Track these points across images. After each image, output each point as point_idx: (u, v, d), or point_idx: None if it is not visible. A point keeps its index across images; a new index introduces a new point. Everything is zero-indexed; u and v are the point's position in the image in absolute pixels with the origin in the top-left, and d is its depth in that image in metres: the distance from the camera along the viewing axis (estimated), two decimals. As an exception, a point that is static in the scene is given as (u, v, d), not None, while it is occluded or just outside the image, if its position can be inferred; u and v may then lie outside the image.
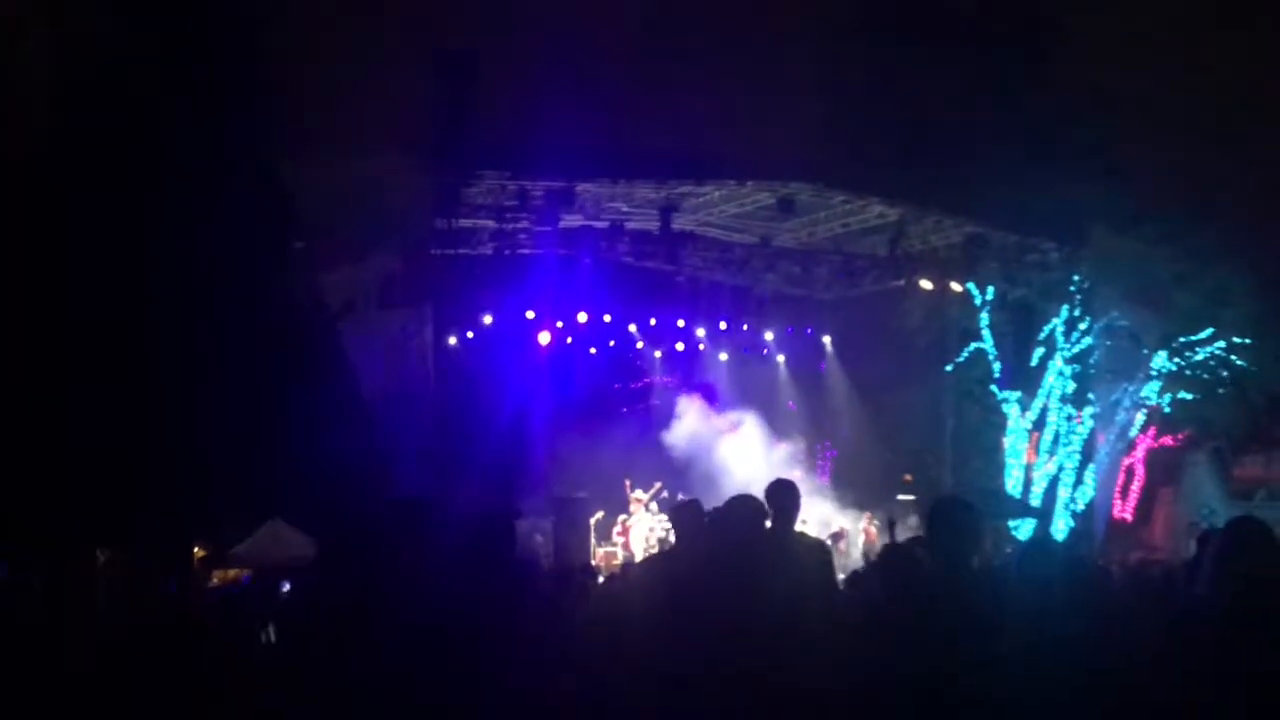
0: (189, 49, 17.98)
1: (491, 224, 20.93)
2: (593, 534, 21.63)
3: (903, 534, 21.36)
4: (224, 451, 17.04)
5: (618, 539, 21.75)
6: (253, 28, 19.27)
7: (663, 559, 7.03)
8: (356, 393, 18.57)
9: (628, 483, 21.98)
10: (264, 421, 17.47)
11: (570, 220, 21.16)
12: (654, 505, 21.71)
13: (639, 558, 18.76)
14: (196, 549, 17.88)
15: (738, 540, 5.79)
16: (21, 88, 17.72)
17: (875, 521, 21.86)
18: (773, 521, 7.00)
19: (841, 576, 8.30)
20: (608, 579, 12.85)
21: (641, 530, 21.37)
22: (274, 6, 19.58)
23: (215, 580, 18.10)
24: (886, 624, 5.58)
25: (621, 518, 21.87)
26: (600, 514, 21.87)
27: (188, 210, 17.37)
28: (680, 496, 22.20)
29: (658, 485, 22.04)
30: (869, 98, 25.07)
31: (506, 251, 21.27)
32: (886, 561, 6.38)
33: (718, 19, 24.67)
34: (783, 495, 7.25)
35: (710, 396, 25.30)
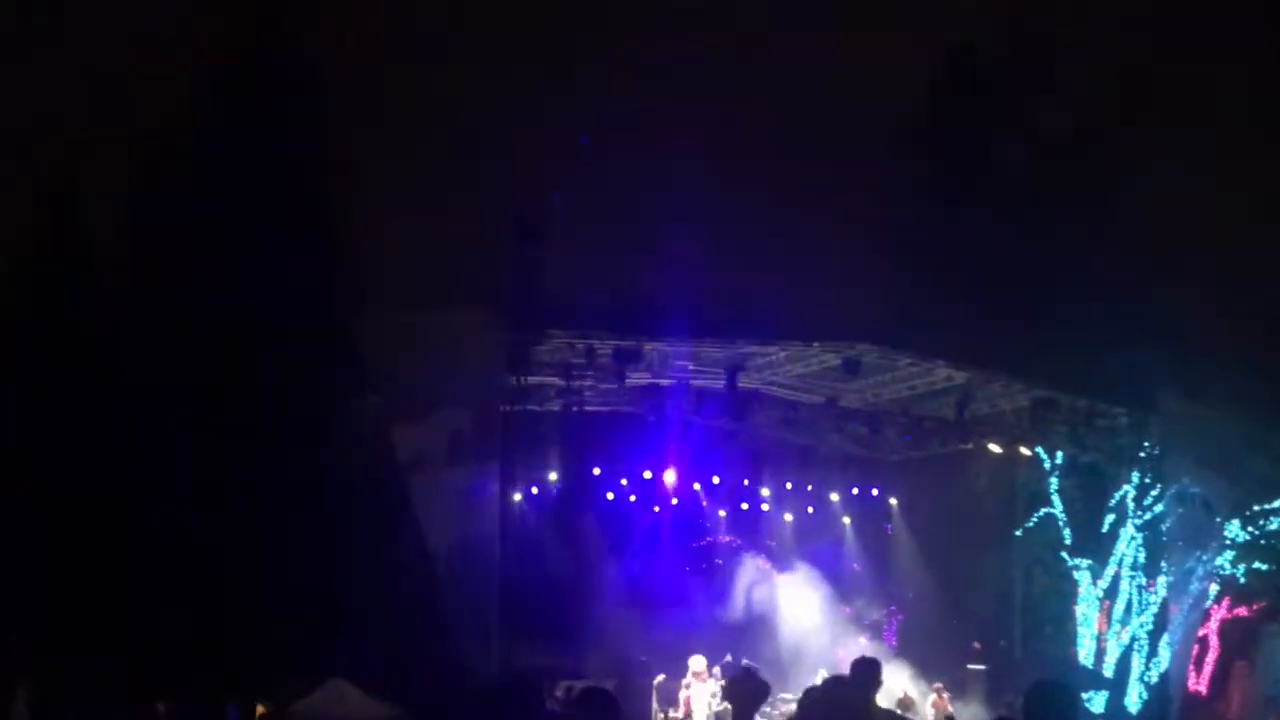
0: (269, 197, 18.47)
1: (559, 381, 21.07)
2: (655, 697, 21.25)
3: (974, 707, 20.98)
4: (287, 607, 17.02)
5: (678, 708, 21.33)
6: (331, 173, 19.76)
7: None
8: (423, 550, 18.53)
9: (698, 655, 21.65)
10: (329, 577, 17.45)
11: (637, 378, 21.28)
12: (717, 670, 21.32)
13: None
14: (259, 707, 17.72)
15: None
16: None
17: (946, 692, 21.37)
18: (855, 698, 6.97)
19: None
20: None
21: (703, 698, 20.96)
22: (352, 152, 20.08)
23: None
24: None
25: (684, 683, 21.50)
26: (662, 677, 21.49)
27: (256, 357, 17.64)
28: (745, 662, 21.95)
29: (729, 657, 21.67)
30: (936, 260, 25.26)
31: (574, 409, 21.38)
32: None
33: (785, 181, 25.05)
34: (868, 673, 7.23)
35: (774, 557, 25.09)
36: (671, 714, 21.13)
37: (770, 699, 21.35)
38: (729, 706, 19.12)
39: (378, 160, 21.39)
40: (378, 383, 19.53)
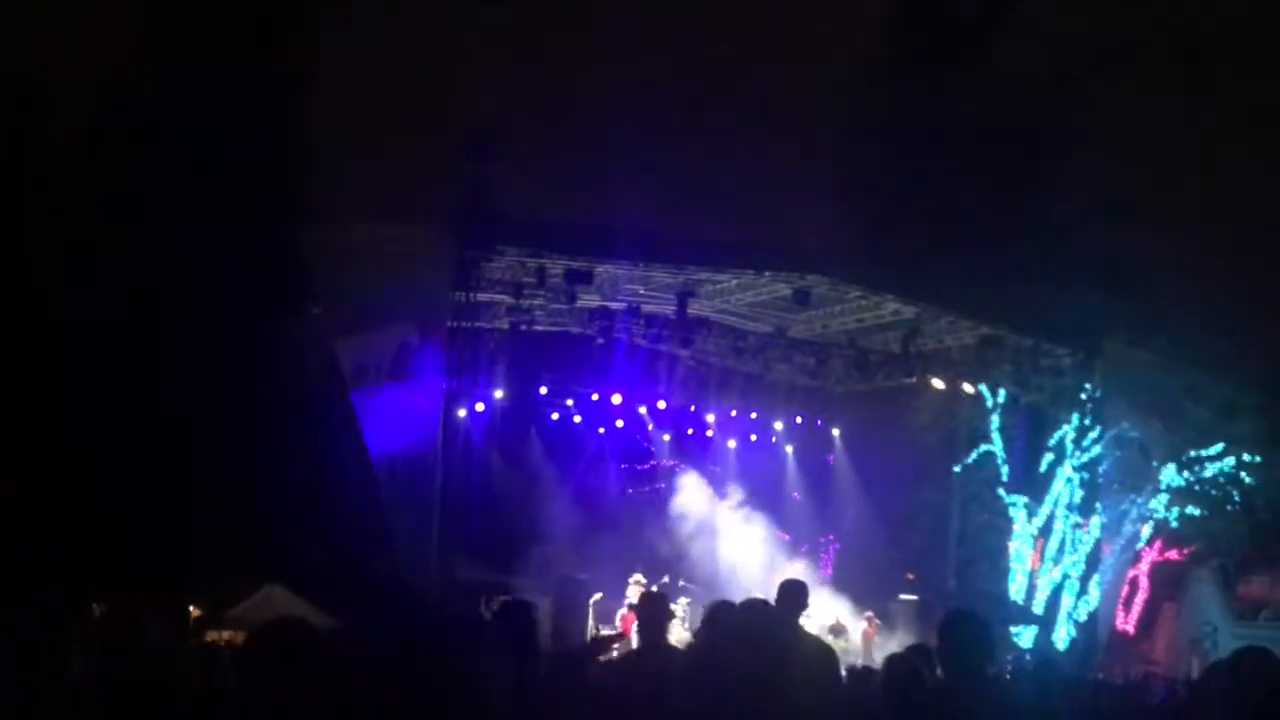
0: (220, 106, 18.15)
1: (508, 299, 21.00)
2: (591, 615, 21.42)
3: (902, 636, 21.28)
4: (226, 511, 16.97)
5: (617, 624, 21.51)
6: (284, 89, 19.46)
7: (671, 654, 6.96)
8: (364, 461, 18.52)
9: (637, 575, 21.79)
10: (269, 483, 17.41)
11: (587, 300, 21.25)
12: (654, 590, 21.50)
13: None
14: (192, 608, 17.72)
15: (754, 647, 5.76)
16: (48, 135, 17.93)
17: (877, 621, 21.65)
18: (779, 616, 7.03)
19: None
20: (610, 663, 12.65)
21: (639, 618, 21.12)
22: (305, 69, 19.76)
23: (208, 639, 17.92)
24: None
25: (628, 603, 21.65)
26: (599, 595, 21.65)
27: (203, 267, 17.44)
28: (681, 584, 22.13)
29: (666, 579, 21.85)
30: (889, 197, 25.28)
31: (522, 327, 21.34)
32: (889, 672, 6.30)
33: (746, 111, 24.93)
34: (793, 595, 7.28)
35: (716, 483, 25.22)
36: (607, 632, 21.32)
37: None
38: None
39: (334, 73, 21.08)
40: (325, 294, 19.42)
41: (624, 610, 21.26)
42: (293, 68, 19.52)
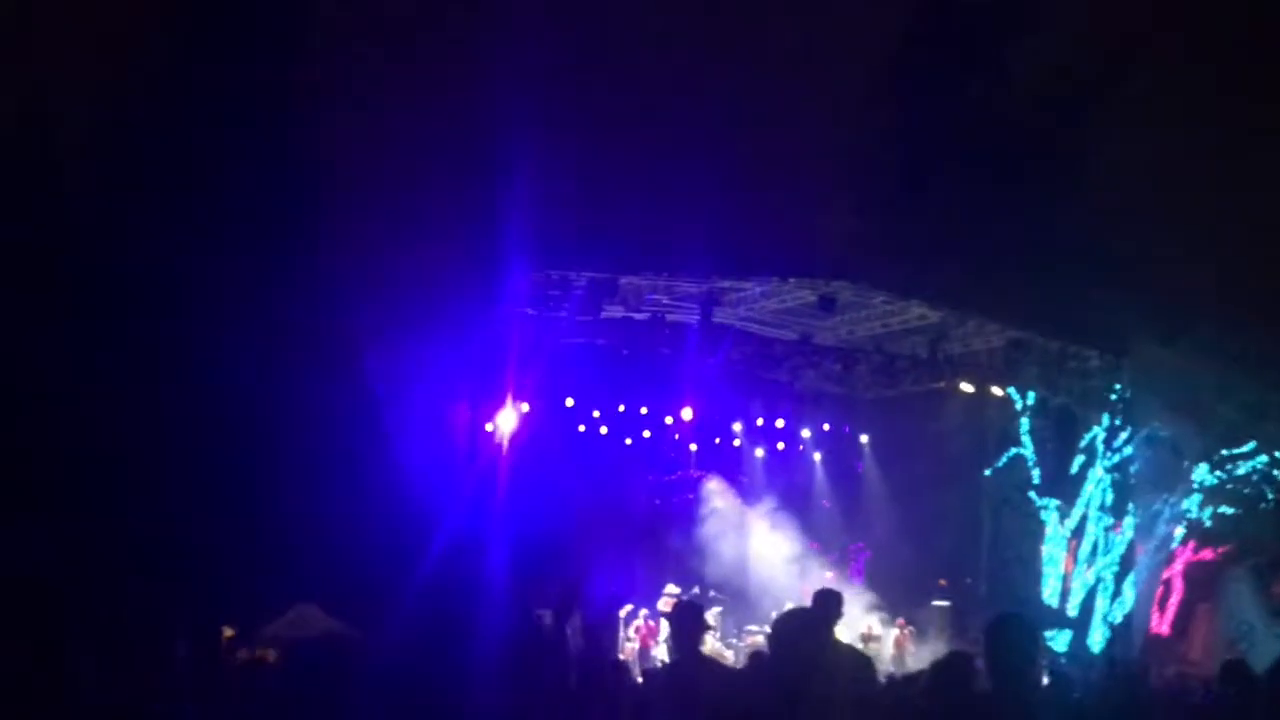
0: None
1: (534, 313, 21.00)
2: (623, 628, 21.40)
3: (935, 642, 21.19)
4: (259, 534, 16.98)
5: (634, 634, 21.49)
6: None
7: (708, 665, 6.93)
8: (395, 481, 18.48)
9: (670, 585, 21.78)
10: (300, 505, 17.40)
11: (611, 311, 21.24)
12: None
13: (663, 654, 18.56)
14: (226, 629, 17.78)
15: (798, 657, 5.72)
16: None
17: (910, 627, 21.57)
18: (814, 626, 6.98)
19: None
20: (647, 677, 12.64)
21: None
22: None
23: (241, 657, 17.98)
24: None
25: (643, 614, 21.61)
26: (630, 608, 21.65)
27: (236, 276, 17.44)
28: (711, 594, 22.10)
29: (697, 589, 21.83)
30: (914, 199, 25.15)
31: (548, 340, 21.32)
32: (938, 675, 6.24)
33: (764, 116, 24.85)
34: (828, 604, 7.26)
35: (745, 492, 25.18)
36: (652, 644, 21.29)
37: (738, 630, 21.58)
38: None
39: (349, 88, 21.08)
40: (352, 310, 19.40)
41: (639, 622, 21.22)
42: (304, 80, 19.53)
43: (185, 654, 15.75)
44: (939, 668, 6.29)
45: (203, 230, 17.10)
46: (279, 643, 17.61)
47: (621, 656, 19.50)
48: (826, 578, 22.35)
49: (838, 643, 7.60)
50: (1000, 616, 5.65)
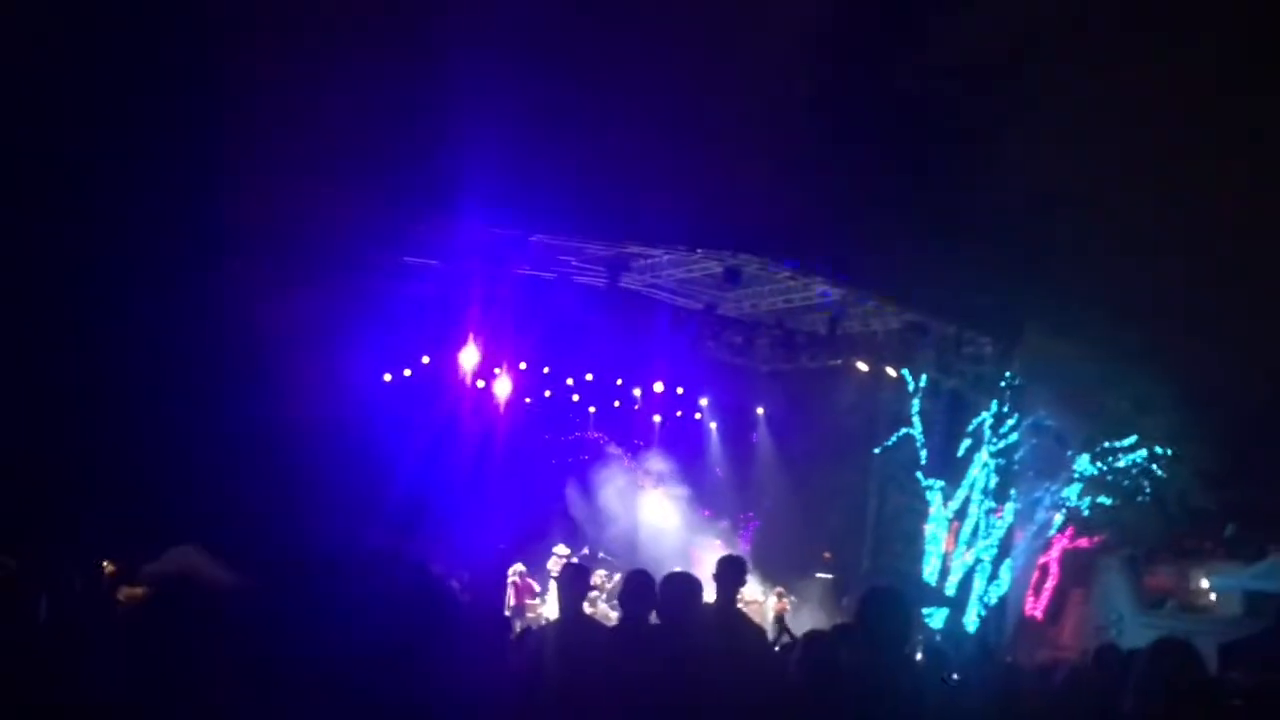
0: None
1: (439, 264, 20.89)
2: (510, 587, 21.47)
3: (814, 612, 21.55)
4: (145, 468, 16.78)
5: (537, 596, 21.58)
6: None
7: (592, 626, 7.05)
8: (287, 424, 18.32)
9: (559, 545, 21.87)
10: (188, 442, 17.20)
11: (519, 269, 21.20)
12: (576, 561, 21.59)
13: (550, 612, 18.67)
14: (106, 564, 17.56)
15: (676, 617, 5.86)
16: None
17: (790, 597, 21.90)
18: (717, 596, 7.16)
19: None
20: (526, 634, 12.73)
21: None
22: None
23: (122, 596, 17.76)
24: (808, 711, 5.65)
25: (517, 572, 21.66)
26: (519, 566, 21.71)
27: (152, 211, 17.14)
28: (601, 555, 22.25)
29: (587, 550, 21.97)
30: (822, 179, 25.37)
31: (453, 293, 21.22)
32: (808, 649, 6.43)
33: (678, 86, 24.89)
34: (732, 571, 7.38)
35: (639, 457, 25.34)
36: (527, 602, 21.40)
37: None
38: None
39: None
40: (250, 249, 19.12)
41: (515, 579, 21.22)
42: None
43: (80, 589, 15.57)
44: (811, 637, 6.48)
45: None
46: (151, 580, 17.41)
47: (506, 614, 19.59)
48: (716, 545, 22.61)
49: (740, 611, 7.71)
50: (874, 589, 5.78)
